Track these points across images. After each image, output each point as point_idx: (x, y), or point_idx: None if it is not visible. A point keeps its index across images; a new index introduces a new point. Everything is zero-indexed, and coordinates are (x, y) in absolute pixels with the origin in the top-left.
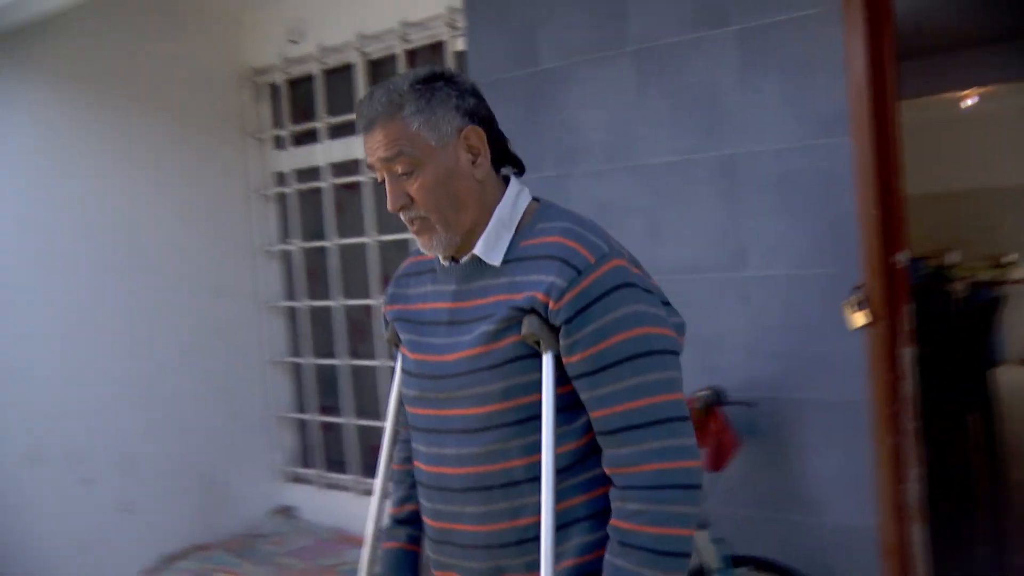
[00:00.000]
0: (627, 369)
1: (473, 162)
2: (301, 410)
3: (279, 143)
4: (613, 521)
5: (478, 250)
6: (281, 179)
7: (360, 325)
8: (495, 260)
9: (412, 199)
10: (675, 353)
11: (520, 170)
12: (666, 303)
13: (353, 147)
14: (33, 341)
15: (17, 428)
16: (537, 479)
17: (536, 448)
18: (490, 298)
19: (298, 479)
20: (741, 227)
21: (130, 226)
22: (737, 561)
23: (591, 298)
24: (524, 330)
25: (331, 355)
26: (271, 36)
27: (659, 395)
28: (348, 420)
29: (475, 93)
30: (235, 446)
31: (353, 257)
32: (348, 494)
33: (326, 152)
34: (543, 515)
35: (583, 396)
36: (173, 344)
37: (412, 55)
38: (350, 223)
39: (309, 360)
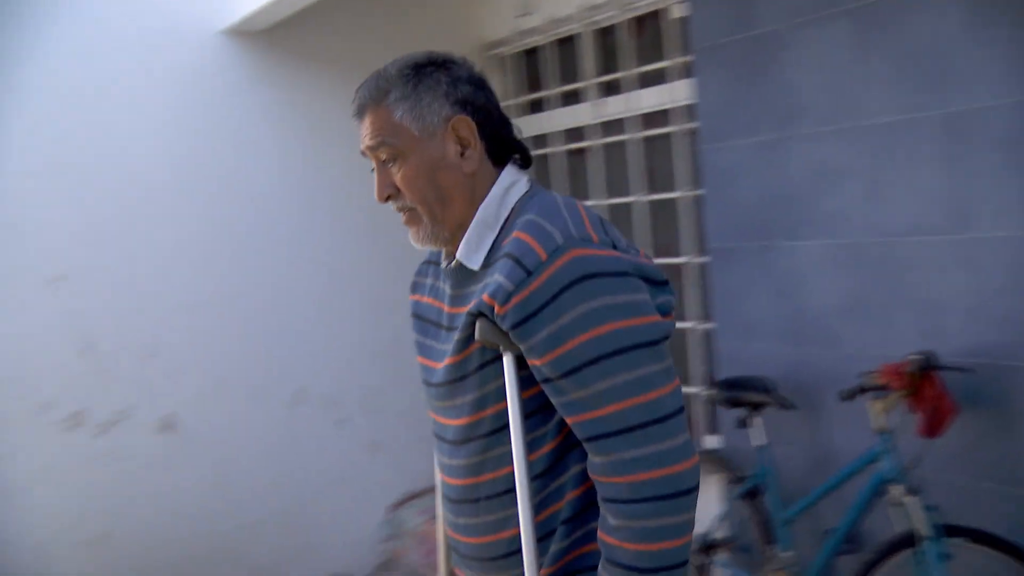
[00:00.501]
0: (592, 373)
1: (462, 154)
2: None
3: (512, 112)
4: (599, 533)
5: (459, 254)
6: None
7: None
8: (475, 264)
9: (399, 189)
10: (652, 344)
11: (526, 162)
12: (658, 281)
13: (580, 114)
14: (298, 300)
15: (285, 374)
16: (512, 490)
17: (509, 460)
18: (470, 304)
19: None
20: (966, 187)
21: (372, 199)
22: (951, 531)
23: (542, 301)
24: (477, 336)
25: None
26: (504, 11)
27: (629, 399)
28: None
29: (472, 81)
30: None
31: None
32: None
33: (555, 119)
34: (522, 527)
35: (552, 402)
36: (391, 306)
37: (637, 23)
38: (579, 187)
39: None
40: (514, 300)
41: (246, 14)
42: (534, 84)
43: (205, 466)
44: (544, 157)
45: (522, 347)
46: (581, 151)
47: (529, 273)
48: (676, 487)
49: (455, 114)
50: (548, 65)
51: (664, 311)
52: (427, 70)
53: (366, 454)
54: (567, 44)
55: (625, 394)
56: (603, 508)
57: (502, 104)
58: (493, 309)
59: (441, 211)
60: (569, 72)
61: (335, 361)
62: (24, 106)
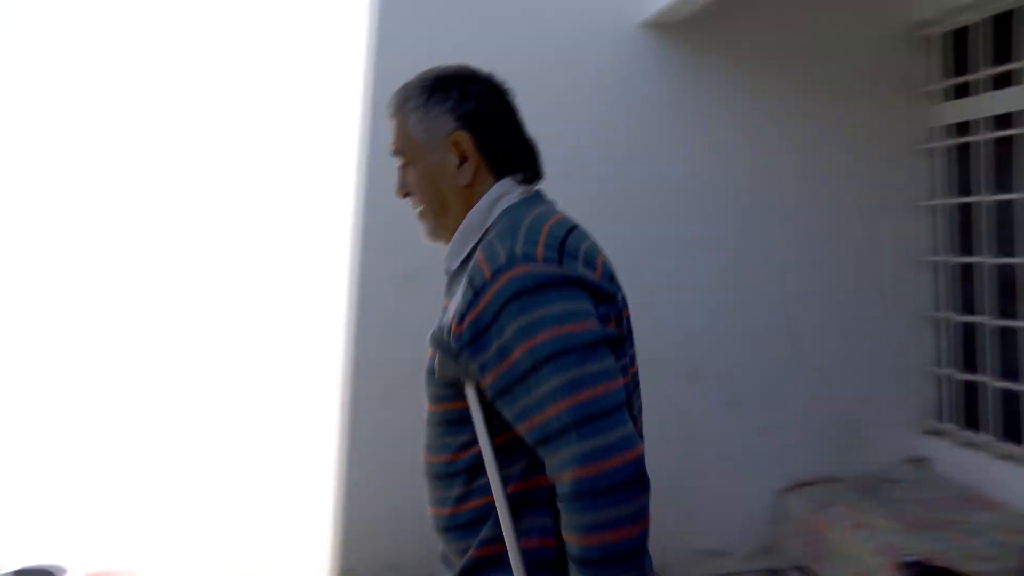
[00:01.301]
0: (532, 381)
1: (459, 166)
2: (940, 365)
3: (934, 97)
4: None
5: (445, 255)
6: (933, 134)
7: (1012, 285)
8: (453, 265)
9: (409, 190)
10: (586, 346)
11: (533, 175)
12: (604, 294)
13: (1013, 99)
14: (696, 282)
15: (680, 351)
16: (455, 475)
17: (452, 448)
18: (450, 301)
19: (935, 432)
20: None
21: (775, 183)
22: None
23: (487, 319)
24: (438, 374)
25: (975, 313)
26: None
27: (564, 400)
28: (988, 380)
29: (486, 98)
30: (873, 392)
31: (1007, 214)
32: (983, 454)
33: (983, 105)
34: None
35: (505, 415)
36: (816, 292)
37: None
38: (1005, 179)
39: (952, 317)
40: (467, 320)
41: (663, 6)
42: (960, 67)
43: None
44: (965, 147)
45: (474, 365)
46: (1009, 140)
47: (476, 294)
48: (612, 481)
49: (456, 129)
50: (979, 45)
51: (608, 318)
52: (443, 84)
53: (756, 437)
54: (1002, 21)
55: (560, 395)
56: (560, 508)
57: (923, 90)
58: (452, 328)
59: (441, 214)
60: (1003, 52)
61: (730, 343)
62: None
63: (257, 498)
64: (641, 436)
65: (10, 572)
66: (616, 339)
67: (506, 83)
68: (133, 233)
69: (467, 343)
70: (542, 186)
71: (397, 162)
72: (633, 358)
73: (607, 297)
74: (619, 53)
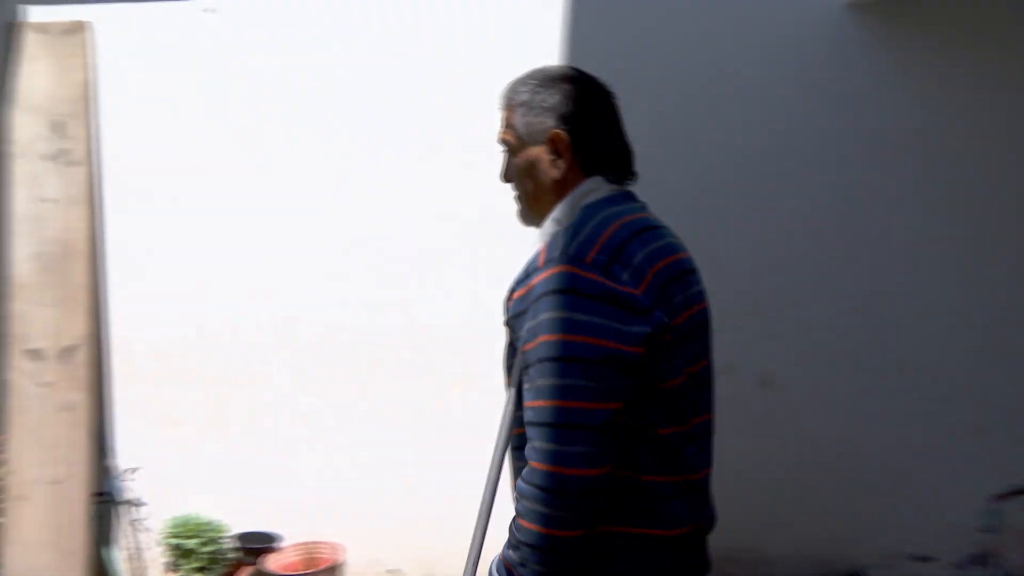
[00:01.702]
0: (536, 371)
1: (553, 162)
2: None
3: None
4: None
5: (539, 241)
6: None
7: None
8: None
9: (510, 177)
10: (588, 361)
11: (624, 176)
12: (637, 310)
13: None
14: (899, 274)
15: (881, 344)
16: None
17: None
18: None
19: None
20: None
21: (1003, 176)
22: None
23: (528, 301)
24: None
25: None
26: None
27: (546, 400)
28: None
29: (590, 100)
30: None
31: None
32: None
33: None
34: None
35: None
36: (1003, 277)
37: None
38: None
39: None
40: (515, 296)
41: None
42: None
43: (799, 424)
44: None
45: (515, 335)
46: None
47: (527, 276)
48: (558, 485)
49: (555, 127)
50: None
51: (632, 339)
52: (551, 84)
53: (970, 436)
54: None
55: (546, 395)
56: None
57: None
58: (507, 300)
59: (533, 203)
60: None
61: (937, 336)
62: (652, 90)
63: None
64: (710, 432)
65: (236, 534)
66: (633, 360)
67: (610, 86)
68: (391, 222)
69: (511, 316)
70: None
71: (502, 150)
72: (700, 354)
73: (642, 311)
74: (823, 34)
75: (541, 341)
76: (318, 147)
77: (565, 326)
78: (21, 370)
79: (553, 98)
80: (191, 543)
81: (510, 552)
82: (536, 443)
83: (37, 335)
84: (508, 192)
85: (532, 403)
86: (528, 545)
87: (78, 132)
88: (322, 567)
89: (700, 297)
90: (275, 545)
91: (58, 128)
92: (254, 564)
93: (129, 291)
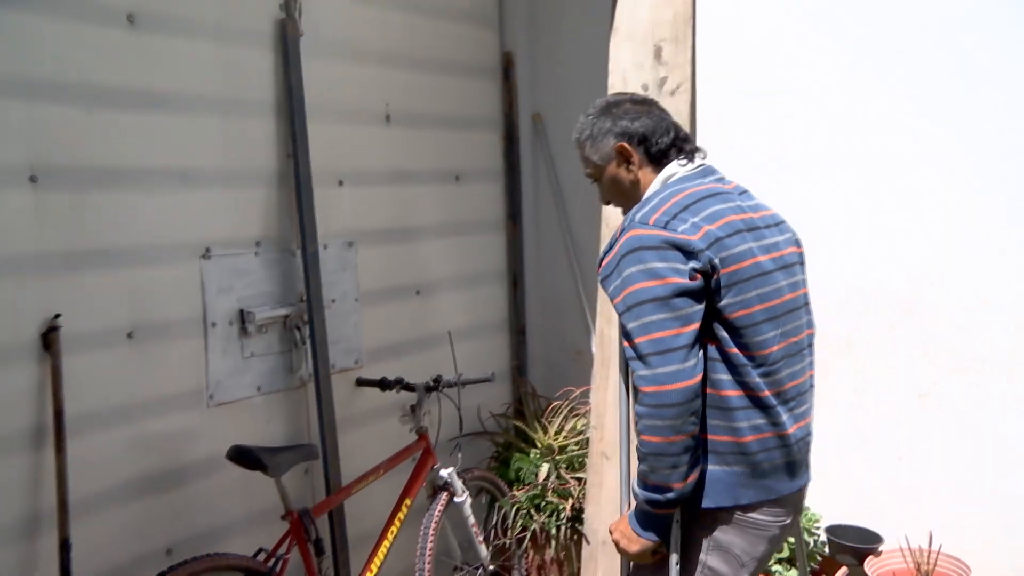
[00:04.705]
0: (626, 317)
1: (627, 169)
2: None
3: None
4: None
5: None
6: None
7: None
8: None
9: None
10: (663, 298)
11: (693, 153)
12: (692, 251)
13: None
14: None
15: None
16: None
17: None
18: None
19: None
20: None
21: None
22: None
23: (612, 265)
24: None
25: None
26: None
27: (638, 337)
28: None
29: (631, 114)
30: None
31: None
32: None
33: None
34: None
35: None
36: None
37: None
38: None
39: None
40: (603, 263)
41: None
42: None
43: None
44: None
45: (607, 295)
46: None
47: (611, 245)
48: (663, 401)
49: (617, 142)
50: None
51: (693, 272)
52: (601, 114)
53: None
54: None
55: (642, 332)
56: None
57: None
58: (597, 268)
59: (628, 205)
60: None
61: None
62: None
63: None
64: (781, 359)
65: (833, 525)
66: (696, 290)
67: (649, 97)
68: None
69: (602, 279)
70: None
71: (592, 183)
72: (774, 293)
73: (696, 252)
74: None
75: (625, 293)
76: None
77: (639, 276)
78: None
79: (606, 123)
80: None
81: (642, 466)
82: (639, 372)
83: None
84: None
85: (631, 342)
86: (652, 455)
87: (678, 58)
88: None
89: (776, 247)
90: (874, 547)
91: (658, 55)
92: (851, 565)
93: None
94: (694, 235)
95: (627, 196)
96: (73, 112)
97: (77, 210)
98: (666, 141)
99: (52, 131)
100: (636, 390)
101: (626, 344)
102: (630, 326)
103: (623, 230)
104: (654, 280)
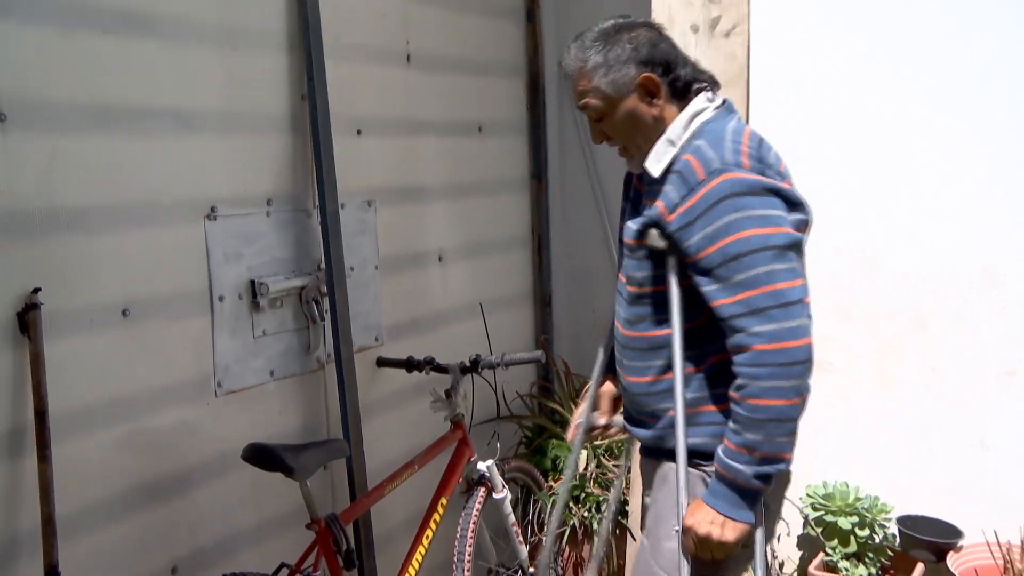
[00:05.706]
0: (733, 267)
1: (650, 103)
2: None
3: None
4: (730, 393)
5: (647, 163)
6: None
7: None
8: (656, 172)
9: (609, 136)
10: (779, 247)
11: (712, 86)
12: (795, 202)
13: None
14: None
15: None
16: (659, 348)
17: (657, 324)
18: (653, 200)
19: None
20: None
21: None
22: None
23: (699, 211)
24: (649, 242)
25: None
26: None
27: (757, 288)
28: None
29: (650, 40)
30: None
31: None
32: None
33: None
34: (675, 374)
35: (701, 291)
36: None
37: None
38: None
39: None
40: (679, 209)
41: None
42: None
43: None
44: None
45: (682, 247)
46: None
47: (691, 189)
48: (788, 358)
49: (641, 72)
50: None
51: (796, 226)
52: (614, 40)
53: None
54: None
55: (755, 284)
56: (734, 374)
57: None
58: (664, 217)
59: (645, 145)
60: None
61: None
62: None
63: None
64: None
65: (904, 516)
66: (803, 242)
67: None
68: None
69: (677, 228)
70: None
71: (587, 116)
72: None
73: (798, 205)
74: None
75: (730, 241)
76: None
77: (747, 223)
78: None
79: (626, 51)
80: (844, 522)
81: (750, 436)
82: (755, 328)
83: None
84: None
85: (737, 296)
86: (771, 420)
87: None
88: None
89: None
90: (954, 542)
91: None
92: (928, 561)
93: None
94: (787, 184)
95: (644, 135)
96: (47, 32)
97: (56, 158)
98: (689, 72)
99: (22, 56)
100: (741, 350)
101: (722, 301)
102: (751, 273)
103: (711, 173)
104: (768, 228)
